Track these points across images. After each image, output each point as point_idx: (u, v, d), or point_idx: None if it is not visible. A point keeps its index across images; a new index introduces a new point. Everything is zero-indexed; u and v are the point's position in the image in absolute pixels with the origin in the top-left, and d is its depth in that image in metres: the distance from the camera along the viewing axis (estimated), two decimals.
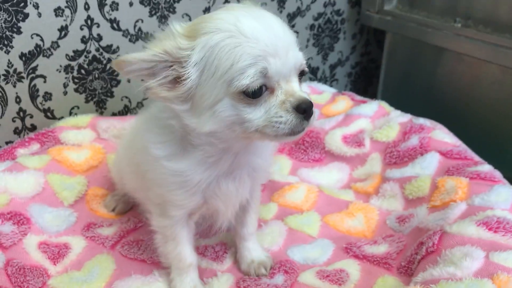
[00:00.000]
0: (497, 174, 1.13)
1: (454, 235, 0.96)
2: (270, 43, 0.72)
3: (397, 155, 1.29)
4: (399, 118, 1.37)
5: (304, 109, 0.74)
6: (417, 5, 1.57)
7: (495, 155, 1.27)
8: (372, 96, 1.75)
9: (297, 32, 1.60)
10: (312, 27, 1.69)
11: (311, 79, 1.78)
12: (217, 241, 1.11)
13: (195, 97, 0.75)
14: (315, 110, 0.76)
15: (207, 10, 1.44)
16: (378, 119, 1.39)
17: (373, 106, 1.42)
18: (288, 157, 1.41)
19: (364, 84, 1.94)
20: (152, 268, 1.02)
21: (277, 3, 1.57)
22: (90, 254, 1.06)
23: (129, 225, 1.14)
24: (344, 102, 1.48)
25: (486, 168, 1.15)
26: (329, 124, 1.40)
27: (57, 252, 1.04)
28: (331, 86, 1.81)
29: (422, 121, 1.33)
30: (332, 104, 1.49)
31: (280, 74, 0.74)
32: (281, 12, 1.59)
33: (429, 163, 1.21)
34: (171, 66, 0.74)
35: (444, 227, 0.99)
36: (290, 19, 1.62)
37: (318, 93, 1.54)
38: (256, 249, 1.04)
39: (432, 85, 1.59)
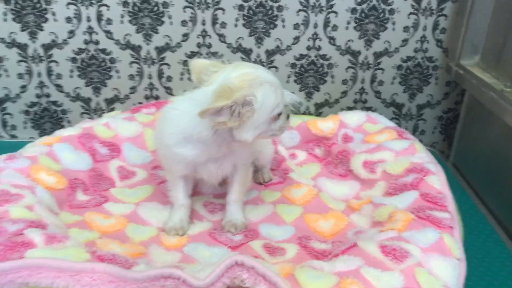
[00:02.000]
0: (448, 222, 1.25)
1: (359, 248, 1.17)
2: (279, 84, 1.23)
3: (394, 187, 1.47)
4: (417, 158, 1.53)
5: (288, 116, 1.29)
6: (501, 68, 1.61)
7: None
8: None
9: (382, 69, 1.86)
10: (399, 67, 1.90)
11: (394, 113, 1.98)
12: (220, 202, 1.52)
13: (250, 120, 1.20)
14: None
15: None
16: (402, 156, 1.57)
17: (404, 144, 1.60)
18: (322, 166, 1.70)
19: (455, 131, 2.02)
20: (169, 203, 1.51)
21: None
22: (143, 182, 1.58)
23: None
24: (388, 135, 1.69)
25: (444, 215, 1.27)
26: (359, 149, 1.64)
27: (125, 175, 1.62)
28: (416, 124, 1.99)
29: (431, 166, 1.48)
30: (378, 134, 1.71)
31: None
32: (367, 50, 1.86)
33: (406, 199, 1.37)
34: (233, 107, 1.17)
35: (358, 241, 1.20)
36: (376, 57, 1.88)
37: (373, 123, 1.77)
38: (236, 213, 1.42)
39: (496, 158, 1.62)
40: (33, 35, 1.77)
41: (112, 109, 1.91)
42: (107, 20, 1.77)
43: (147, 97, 1.92)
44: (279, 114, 1.24)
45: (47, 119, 1.91)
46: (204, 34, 1.80)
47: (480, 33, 1.67)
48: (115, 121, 1.72)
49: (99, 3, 1.74)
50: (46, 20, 1.75)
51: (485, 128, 1.71)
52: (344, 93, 1.94)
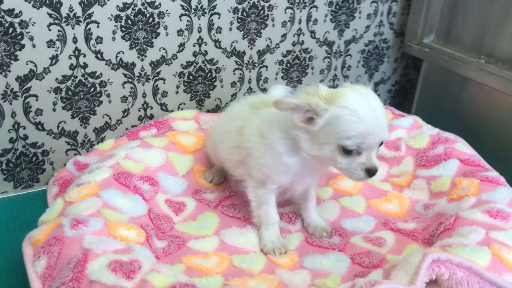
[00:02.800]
0: (502, 179, 1.50)
1: (465, 218, 1.33)
2: (371, 126, 1.13)
3: (426, 159, 1.67)
4: (429, 131, 1.75)
5: (370, 172, 1.17)
6: (451, 41, 1.94)
7: (504, 166, 1.64)
8: (406, 110, 2.14)
9: (350, 55, 2.01)
10: (363, 51, 2.08)
11: None
12: (290, 210, 1.52)
13: (314, 135, 1.18)
14: (378, 172, 1.19)
15: (284, 36, 1.85)
16: (413, 130, 1.78)
17: (409, 120, 1.81)
18: None
19: (401, 100, 2.32)
20: (245, 223, 1.43)
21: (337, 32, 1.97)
22: (200, 210, 1.48)
23: (225, 193, 1.55)
24: (387, 115, 1.87)
25: (493, 174, 1.52)
26: None
27: (177, 207, 1.46)
28: None
29: (447, 134, 1.71)
30: None
31: (369, 146, 1.16)
32: (340, 39, 1.99)
33: (451, 167, 1.59)
34: (309, 111, 1.16)
35: (459, 213, 1.37)
36: (346, 44, 2.03)
37: None
38: (318, 218, 1.45)
39: (457, 108, 1.97)
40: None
41: (102, 139, 1.66)
42: (97, 38, 1.52)
43: (140, 119, 1.71)
44: (353, 152, 1.16)
45: (24, 166, 1.56)
46: (200, 41, 1.69)
47: (435, 15, 1.95)
48: (134, 152, 1.52)
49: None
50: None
51: (442, 92, 2.03)
52: (321, 81, 2.04)
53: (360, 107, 1.12)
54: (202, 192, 1.55)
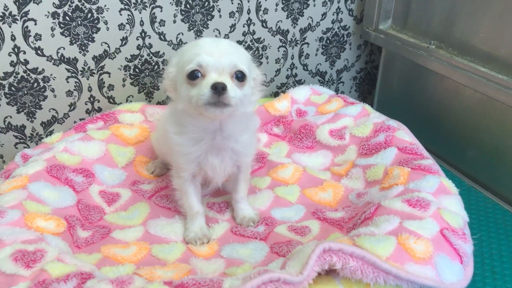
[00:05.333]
0: (435, 167, 1.48)
1: (385, 207, 1.32)
2: (209, 48, 1.15)
3: (367, 148, 1.66)
4: (375, 119, 1.73)
5: (215, 87, 1.09)
6: (407, 27, 1.91)
7: (456, 150, 1.63)
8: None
9: (307, 44, 2.00)
10: (321, 39, 2.07)
11: (320, 81, 2.17)
12: (222, 200, 1.54)
13: (176, 88, 1.23)
14: (230, 89, 1.11)
15: (232, 26, 1.86)
16: (359, 119, 1.77)
17: (357, 108, 1.80)
18: (287, 143, 1.81)
19: (368, 86, 2.29)
20: (174, 214, 1.47)
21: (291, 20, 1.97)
22: (133, 201, 1.52)
23: (162, 184, 1.59)
24: (337, 103, 1.86)
25: (428, 162, 1.50)
26: (321, 120, 1.79)
27: (111, 198, 1.51)
28: (337, 87, 2.20)
29: (391, 122, 1.69)
30: (327, 104, 1.88)
31: (211, 66, 1.13)
32: (294, 27, 1.98)
33: (388, 156, 1.57)
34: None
35: (381, 202, 1.37)
36: (302, 33, 2.01)
37: (318, 94, 1.93)
38: (247, 208, 1.46)
39: (415, 94, 1.95)
40: None
41: (51, 132, 1.72)
42: (35, 35, 1.57)
43: (88, 112, 1.77)
44: (198, 78, 1.13)
45: None
46: (143, 35, 1.72)
47: (391, 0, 1.92)
48: (73, 145, 1.57)
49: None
50: None
51: (400, 79, 2.00)
52: (278, 70, 2.04)
53: (201, 39, 1.23)
54: (141, 183, 1.60)
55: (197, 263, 1.29)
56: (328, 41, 2.08)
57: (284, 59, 2.03)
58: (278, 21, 1.93)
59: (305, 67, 2.08)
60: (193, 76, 1.14)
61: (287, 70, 2.06)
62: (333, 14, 2.02)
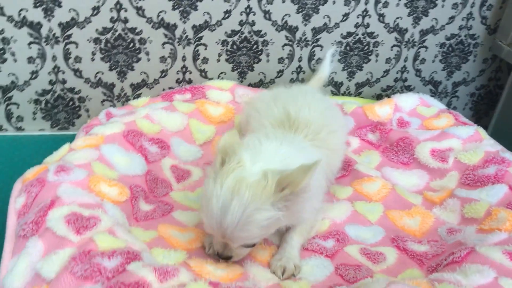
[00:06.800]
0: None
1: (481, 254, 1.12)
2: (213, 226, 1.04)
3: (472, 178, 1.43)
4: (488, 147, 1.49)
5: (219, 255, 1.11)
6: None
7: None
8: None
9: (426, 47, 1.78)
10: (443, 45, 1.83)
11: (431, 91, 1.93)
12: None
13: None
14: (235, 256, 1.11)
15: (346, 15, 1.70)
16: (470, 143, 1.54)
17: (469, 130, 1.56)
18: (380, 154, 1.63)
19: (485, 106, 2.02)
20: None
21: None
22: (202, 183, 1.44)
23: None
24: (446, 120, 1.64)
25: None
26: (423, 136, 1.58)
27: (181, 175, 1.44)
28: (450, 101, 1.96)
29: (508, 155, 1.45)
30: (435, 119, 1.66)
31: (217, 238, 1.08)
32: (414, 27, 1.77)
33: (495, 193, 1.34)
34: None
35: (475, 247, 1.16)
36: (422, 35, 1.79)
37: (427, 106, 1.71)
38: (289, 253, 1.18)
39: None
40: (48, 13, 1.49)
41: (139, 96, 1.69)
42: None
43: (178, 81, 1.71)
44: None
45: (61, 108, 1.65)
46: (248, 11, 1.61)
47: None
48: (156, 113, 1.52)
49: None
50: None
51: None
52: (386, 71, 1.85)
53: (213, 200, 1.03)
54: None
55: (252, 267, 1.17)
56: (450, 49, 1.84)
57: (396, 60, 1.82)
58: (397, 18, 1.73)
59: (417, 73, 1.87)
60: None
61: (397, 73, 1.85)
62: (463, 19, 1.78)
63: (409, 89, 1.90)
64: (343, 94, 1.86)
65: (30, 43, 1.52)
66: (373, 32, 1.74)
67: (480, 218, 1.30)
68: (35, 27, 1.50)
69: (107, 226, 1.09)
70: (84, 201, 1.14)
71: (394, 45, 1.79)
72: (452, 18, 1.77)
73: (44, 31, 1.51)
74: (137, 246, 1.08)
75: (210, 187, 1.04)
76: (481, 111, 2.02)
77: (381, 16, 1.71)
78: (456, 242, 1.26)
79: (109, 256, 0.99)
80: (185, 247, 1.20)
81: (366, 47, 1.77)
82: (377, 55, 1.80)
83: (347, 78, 1.83)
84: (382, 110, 1.67)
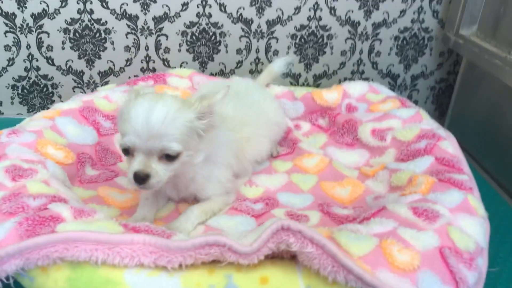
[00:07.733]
0: (469, 184, 1.28)
1: (389, 211, 1.18)
2: (138, 128, 1.07)
3: (405, 153, 1.49)
4: (425, 125, 1.56)
5: (136, 177, 1.09)
6: (496, 37, 1.66)
7: None
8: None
9: (380, 40, 1.87)
10: (396, 38, 1.92)
11: (390, 84, 2.01)
12: None
13: None
14: (154, 175, 1.09)
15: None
16: (410, 123, 1.60)
17: (411, 111, 1.63)
18: (327, 136, 1.71)
19: (447, 99, 2.07)
20: None
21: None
22: None
23: None
24: (391, 104, 1.71)
25: (462, 177, 1.30)
26: (367, 118, 1.66)
27: None
28: (411, 94, 2.03)
29: (441, 131, 1.51)
30: (381, 103, 1.74)
31: (138, 149, 1.09)
32: (366, 20, 1.87)
33: (422, 164, 1.40)
34: None
35: (386, 204, 1.22)
36: (375, 28, 1.89)
37: (375, 93, 1.79)
38: (189, 217, 1.25)
39: (496, 116, 1.68)
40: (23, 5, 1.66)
41: (106, 83, 1.83)
42: None
43: (143, 70, 1.85)
44: (128, 152, 1.11)
45: (36, 94, 1.81)
46: (204, 2, 1.75)
47: (478, 3, 1.71)
48: (115, 94, 1.65)
49: None
50: None
51: (482, 94, 1.76)
52: (342, 64, 1.94)
53: (134, 109, 1.08)
54: None
55: (176, 222, 1.26)
56: (405, 42, 1.92)
57: (351, 53, 1.92)
58: (348, 11, 1.83)
59: (374, 65, 1.95)
60: (125, 151, 1.13)
61: (353, 65, 1.94)
62: (414, 13, 1.87)
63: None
64: (301, 86, 1.95)
65: (6, 32, 1.69)
66: (326, 25, 1.85)
67: (404, 185, 1.36)
68: (10, 17, 1.67)
69: (43, 177, 1.20)
70: (27, 157, 1.26)
71: (348, 38, 1.89)
72: (403, 12, 1.86)
73: (18, 21, 1.68)
74: (68, 196, 1.19)
75: (132, 101, 1.12)
76: (444, 105, 2.08)
77: (332, 10, 1.82)
78: (378, 207, 1.32)
79: (34, 197, 1.10)
80: (119, 206, 1.31)
81: (320, 40, 1.87)
82: (332, 48, 1.90)
83: (304, 70, 1.92)
84: (330, 96, 1.76)
